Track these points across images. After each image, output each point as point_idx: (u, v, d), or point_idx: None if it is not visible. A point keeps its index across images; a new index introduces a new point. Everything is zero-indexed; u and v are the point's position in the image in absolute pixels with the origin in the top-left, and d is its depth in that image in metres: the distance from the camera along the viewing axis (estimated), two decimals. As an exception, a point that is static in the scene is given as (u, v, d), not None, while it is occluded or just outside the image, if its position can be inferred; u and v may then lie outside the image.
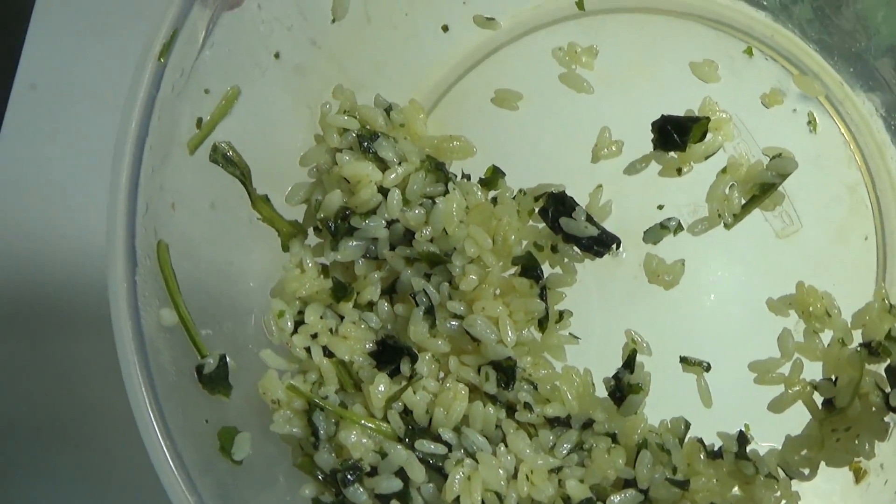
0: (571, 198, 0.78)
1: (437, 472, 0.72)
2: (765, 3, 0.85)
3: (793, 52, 0.86)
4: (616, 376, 0.78)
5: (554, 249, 0.79)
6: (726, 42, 0.87)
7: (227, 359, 0.69)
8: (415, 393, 0.74)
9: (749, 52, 0.87)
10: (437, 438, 0.73)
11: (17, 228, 1.01)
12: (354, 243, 0.76)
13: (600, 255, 0.78)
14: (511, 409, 0.76)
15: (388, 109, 0.80)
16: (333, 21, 0.78)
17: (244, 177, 0.73)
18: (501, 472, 0.72)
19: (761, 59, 0.87)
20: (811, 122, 0.86)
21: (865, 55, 0.82)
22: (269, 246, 0.78)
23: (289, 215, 0.78)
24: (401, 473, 0.71)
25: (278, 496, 0.71)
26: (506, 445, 0.74)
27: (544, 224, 0.79)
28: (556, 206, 0.78)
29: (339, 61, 0.80)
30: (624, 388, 0.78)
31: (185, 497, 0.61)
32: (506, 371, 0.76)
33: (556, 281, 0.78)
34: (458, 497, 0.71)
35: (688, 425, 0.78)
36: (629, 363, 0.78)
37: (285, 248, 0.78)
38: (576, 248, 0.78)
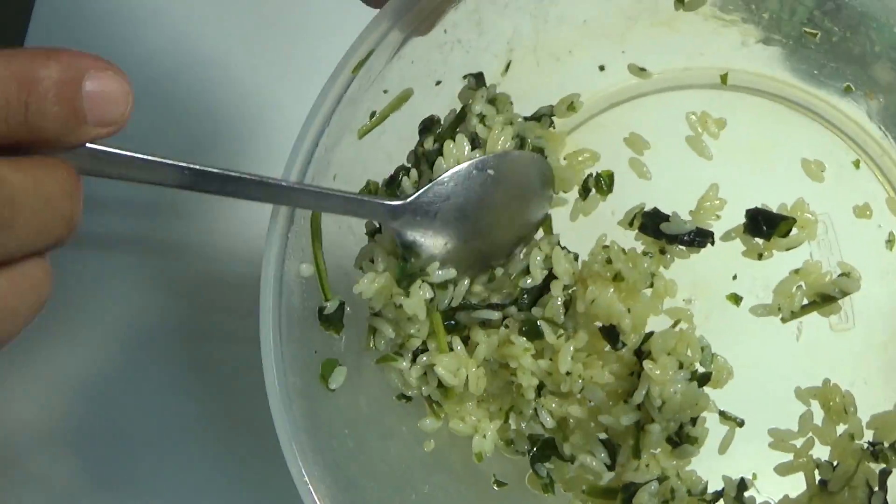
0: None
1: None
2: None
3: (896, 174, 0.92)
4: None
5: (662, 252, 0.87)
6: (839, 149, 0.93)
7: (346, 306, 0.82)
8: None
9: (857, 164, 0.93)
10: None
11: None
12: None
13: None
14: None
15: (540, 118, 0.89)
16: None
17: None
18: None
19: (865, 172, 0.93)
20: (890, 241, 0.92)
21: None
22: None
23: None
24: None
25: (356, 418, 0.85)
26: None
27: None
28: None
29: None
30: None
31: (282, 407, 0.75)
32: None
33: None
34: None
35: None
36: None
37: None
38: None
